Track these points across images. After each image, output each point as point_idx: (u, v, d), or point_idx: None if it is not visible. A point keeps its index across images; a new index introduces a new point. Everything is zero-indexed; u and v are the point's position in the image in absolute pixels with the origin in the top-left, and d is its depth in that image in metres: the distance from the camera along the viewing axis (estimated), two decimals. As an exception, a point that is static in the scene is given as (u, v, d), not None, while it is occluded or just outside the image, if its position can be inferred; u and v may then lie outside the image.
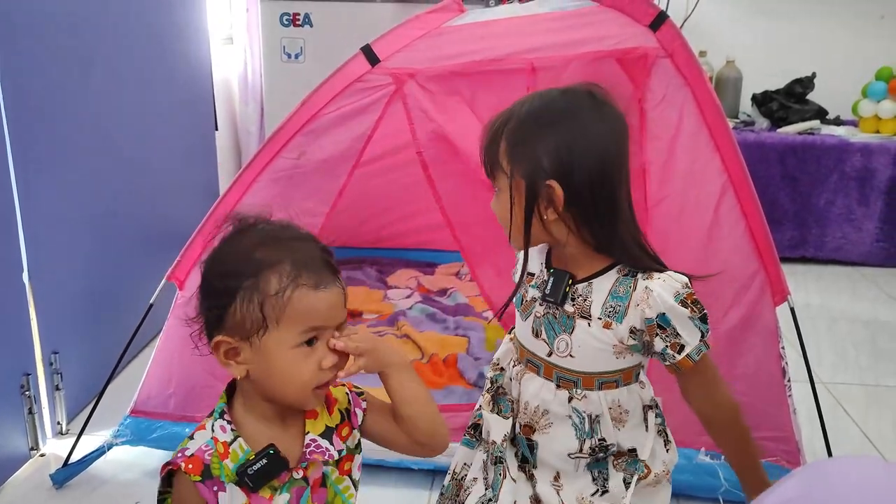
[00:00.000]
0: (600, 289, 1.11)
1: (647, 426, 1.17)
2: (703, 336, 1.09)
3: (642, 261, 1.11)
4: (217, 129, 2.93)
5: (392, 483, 1.65)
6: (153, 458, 1.69)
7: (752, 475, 1.20)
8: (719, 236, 1.57)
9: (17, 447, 1.71)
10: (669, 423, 1.22)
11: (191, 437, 0.95)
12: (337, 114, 1.64)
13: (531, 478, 1.19)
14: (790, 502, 0.83)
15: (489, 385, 1.27)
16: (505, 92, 1.65)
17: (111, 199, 2.08)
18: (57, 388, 1.83)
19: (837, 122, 3.47)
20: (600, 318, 1.10)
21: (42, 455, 1.76)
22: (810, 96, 3.49)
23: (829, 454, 1.61)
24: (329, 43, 2.95)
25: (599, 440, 1.14)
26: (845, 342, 2.54)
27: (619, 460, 1.16)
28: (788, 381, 1.57)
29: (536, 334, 1.15)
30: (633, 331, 1.09)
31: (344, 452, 1.01)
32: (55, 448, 1.78)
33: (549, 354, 1.15)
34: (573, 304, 1.12)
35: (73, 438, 1.70)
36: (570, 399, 1.14)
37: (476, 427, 1.28)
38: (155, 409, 1.71)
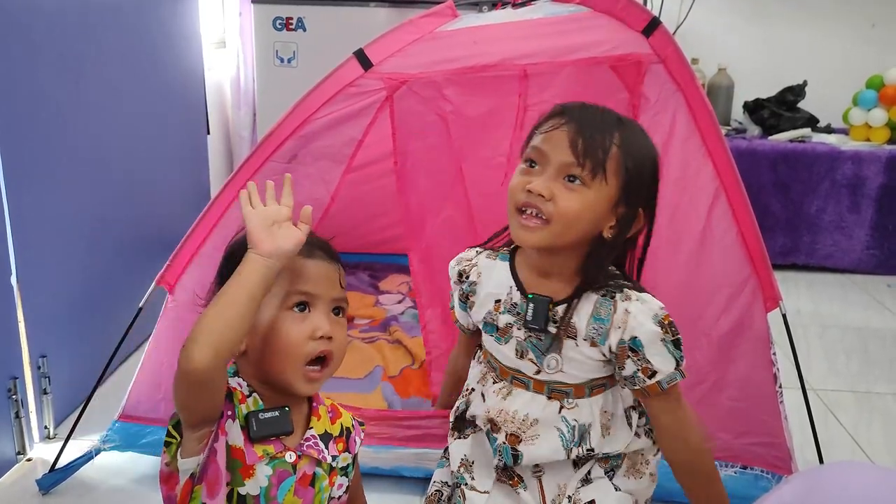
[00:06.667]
0: (582, 311, 1.10)
1: (630, 426, 1.17)
2: (677, 364, 1.08)
3: (623, 284, 1.11)
4: (209, 134, 2.92)
5: (383, 489, 1.64)
6: (141, 463, 1.68)
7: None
8: (711, 242, 1.57)
9: (3, 452, 1.69)
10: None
11: None
12: (329, 118, 1.63)
13: (517, 481, 1.18)
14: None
15: (453, 419, 1.26)
16: (497, 97, 1.66)
17: (101, 203, 2.07)
18: (45, 392, 1.81)
19: (828, 129, 3.48)
20: (586, 339, 1.10)
21: (29, 460, 1.74)
22: (801, 104, 3.50)
23: (821, 460, 1.60)
24: (322, 47, 2.93)
25: (588, 450, 1.14)
26: (836, 349, 2.55)
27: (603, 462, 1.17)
28: (780, 387, 1.57)
29: (521, 355, 1.14)
30: (611, 351, 1.09)
31: (332, 466, 1.02)
32: (42, 453, 1.76)
33: (538, 372, 1.14)
34: (555, 326, 1.11)
35: (61, 443, 1.68)
36: (560, 409, 1.14)
37: (447, 449, 1.30)
38: (144, 414, 1.70)
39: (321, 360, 0.98)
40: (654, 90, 1.59)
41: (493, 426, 1.17)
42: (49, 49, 1.80)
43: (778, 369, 1.57)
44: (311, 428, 1.01)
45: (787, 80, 3.51)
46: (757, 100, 3.53)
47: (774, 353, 1.57)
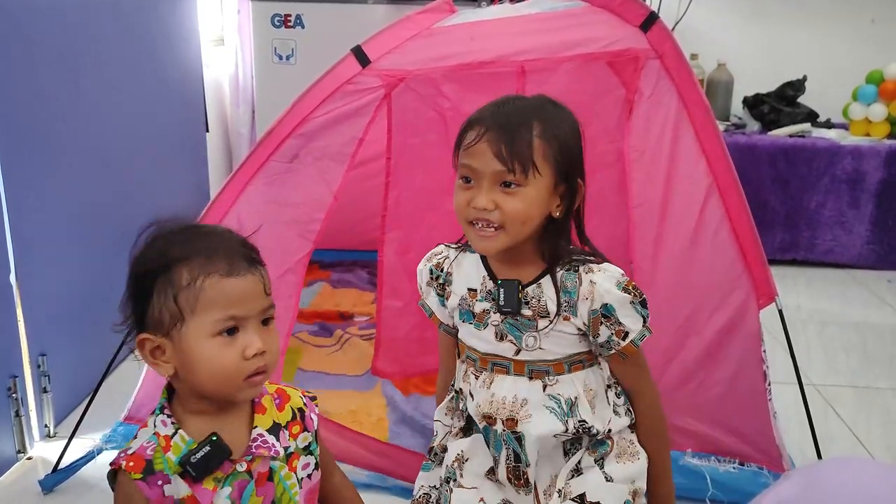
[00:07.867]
0: (549, 286, 1.15)
1: (608, 404, 1.20)
2: (644, 321, 1.13)
3: (583, 256, 1.15)
4: (208, 131, 2.92)
5: (369, 491, 1.62)
6: (142, 461, 1.68)
7: (663, 469, 1.23)
8: (703, 239, 1.57)
9: (3, 450, 1.70)
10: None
11: (135, 437, 0.97)
12: (328, 116, 1.63)
13: (526, 484, 1.18)
14: (783, 504, 0.83)
15: (451, 412, 1.27)
16: (495, 94, 1.65)
17: (100, 201, 2.07)
18: (44, 391, 1.82)
19: (828, 124, 3.48)
20: (559, 315, 1.14)
21: (29, 458, 1.75)
22: (801, 99, 3.49)
23: (819, 456, 1.61)
24: (321, 44, 2.92)
25: (580, 421, 1.17)
26: (836, 344, 2.54)
27: (592, 445, 1.19)
28: (769, 384, 1.57)
29: (501, 338, 1.17)
30: (584, 323, 1.14)
31: (291, 451, 1.01)
32: (42, 451, 1.77)
33: (518, 353, 1.17)
34: (528, 307, 1.15)
35: (60, 442, 1.69)
36: (544, 388, 1.17)
37: (431, 450, 1.31)
38: (147, 416, 1.70)
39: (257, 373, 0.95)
40: (649, 85, 1.59)
41: (490, 420, 1.18)
42: (48, 48, 1.80)
43: (768, 366, 1.57)
44: (256, 427, 0.98)
45: (786, 75, 3.50)
46: (756, 95, 3.52)
47: (765, 350, 1.57)
